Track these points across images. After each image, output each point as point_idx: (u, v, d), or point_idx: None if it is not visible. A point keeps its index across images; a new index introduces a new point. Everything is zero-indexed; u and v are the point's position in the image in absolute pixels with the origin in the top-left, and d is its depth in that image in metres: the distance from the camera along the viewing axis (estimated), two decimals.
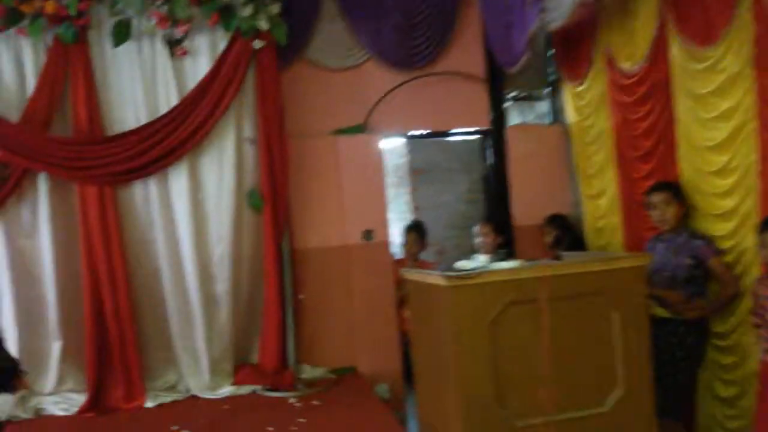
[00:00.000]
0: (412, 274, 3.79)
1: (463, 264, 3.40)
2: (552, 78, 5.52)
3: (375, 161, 5.13)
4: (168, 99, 4.56)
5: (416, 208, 5.80)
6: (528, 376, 3.20)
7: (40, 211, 4.46)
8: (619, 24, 4.39)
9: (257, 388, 4.56)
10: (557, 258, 3.92)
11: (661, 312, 3.80)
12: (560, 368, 3.22)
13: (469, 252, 5.24)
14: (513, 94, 5.58)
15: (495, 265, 3.32)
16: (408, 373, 4.88)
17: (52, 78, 4.40)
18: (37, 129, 4.36)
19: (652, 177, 4.20)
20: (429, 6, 5.13)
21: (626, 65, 4.34)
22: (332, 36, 5.09)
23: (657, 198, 3.92)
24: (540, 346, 3.20)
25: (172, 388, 4.63)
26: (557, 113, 5.49)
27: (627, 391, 3.30)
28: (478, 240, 4.97)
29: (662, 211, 3.88)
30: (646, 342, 3.36)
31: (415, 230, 5.22)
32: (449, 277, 3.17)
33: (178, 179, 4.60)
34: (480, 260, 3.44)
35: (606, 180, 4.77)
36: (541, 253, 4.83)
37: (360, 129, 5.10)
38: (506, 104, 5.47)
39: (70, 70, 4.42)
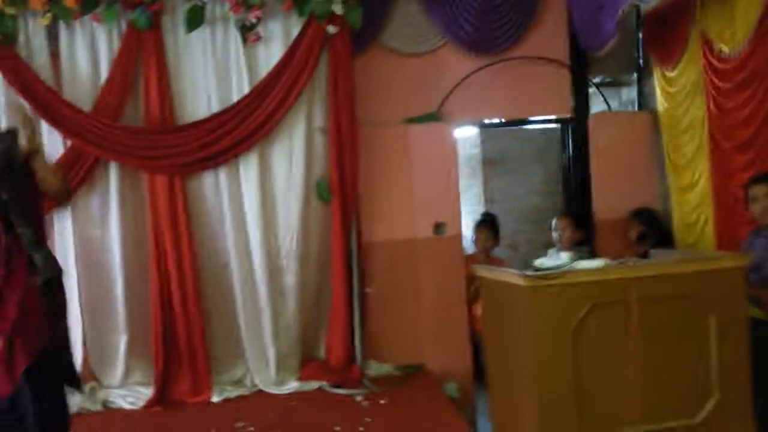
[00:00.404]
0: (486, 272, 3.58)
1: (542, 262, 3.17)
2: (640, 62, 5.16)
3: (448, 151, 4.90)
4: (240, 87, 4.47)
5: (490, 201, 5.56)
6: (613, 384, 2.99)
7: (110, 200, 4.44)
8: (719, 4, 4.03)
9: (323, 383, 4.45)
10: (644, 255, 3.65)
11: (756, 313, 3.47)
12: (649, 376, 3.00)
13: (544, 247, 4.99)
14: (597, 79, 5.25)
15: (579, 264, 3.08)
16: (478, 372, 4.70)
17: (125, 65, 4.36)
18: (109, 117, 4.33)
19: (751, 168, 3.87)
20: None
21: (725, 48, 3.99)
22: (407, 20, 4.87)
23: (759, 190, 3.62)
24: (627, 352, 2.98)
25: (238, 382, 4.57)
26: (645, 100, 5.14)
27: (722, 401, 3.05)
28: (555, 234, 4.70)
29: (764, 205, 3.59)
30: (745, 349, 3.10)
31: (487, 225, 4.98)
32: (529, 277, 2.95)
33: (248, 169, 4.51)
34: (562, 258, 3.21)
35: (698, 172, 4.42)
36: (624, 249, 4.53)
37: (434, 117, 4.88)
38: (589, 90, 5.14)
39: (142, 57, 4.38)
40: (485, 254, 4.94)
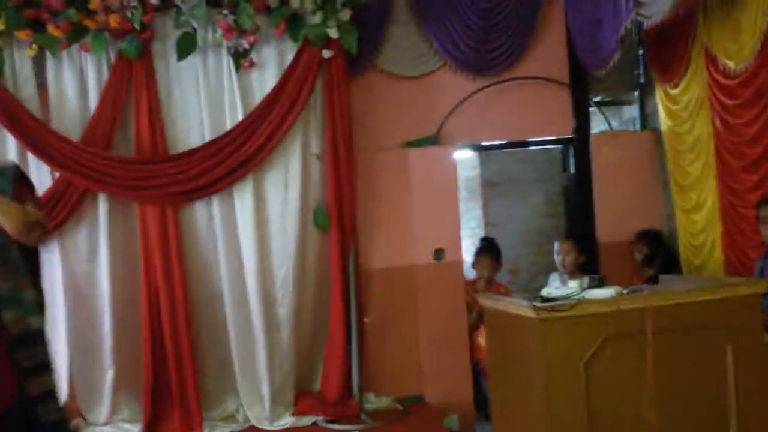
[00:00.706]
0: (490, 301, 3.41)
1: (550, 291, 3.01)
2: (641, 80, 5.05)
3: (447, 175, 4.75)
4: (234, 114, 4.33)
5: (490, 224, 5.40)
6: (628, 417, 2.84)
7: (99, 233, 4.27)
8: (722, 18, 3.92)
9: (319, 419, 4.26)
10: (652, 280, 3.48)
11: None
12: (667, 410, 2.84)
13: (546, 271, 4.83)
14: (597, 98, 5.13)
15: (589, 293, 2.92)
16: (478, 402, 4.51)
17: (115, 94, 4.22)
18: (99, 147, 4.18)
19: (760, 188, 3.75)
20: (507, 7, 4.72)
21: (730, 64, 3.87)
22: (403, 42, 4.75)
23: None
24: (643, 384, 2.82)
25: (230, 417, 4.38)
26: (647, 118, 5.02)
27: None
28: (558, 258, 4.53)
29: None
30: (763, 379, 2.96)
31: (489, 251, 4.78)
32: (538, 308, 2.80)
33: (243, 197, 4.36)
34: (570, 287, 3.05)
35: (704, 192, 4.29)
36: (629, 272, 4.38)
37: (432, 140, 4.74)
38: (590, 110, 5.01)
39: (133, 85, 4.24)
40: (487, 280, 4.75)
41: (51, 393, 2.41)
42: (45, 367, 2.40)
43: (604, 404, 2.81)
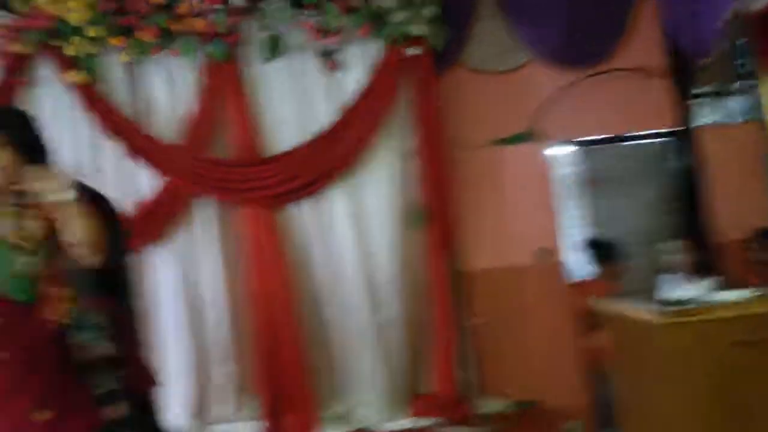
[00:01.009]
0: (610, 304, 3.38)
1: (677, 294, 2.95)
2: (744, 70, 4.86)
3: (543, 173, 4.73)
4: (322, 115, 4.45)
5: (594, 223, 5.29)
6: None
7: (205, 236, 4.45)
8: None
9: (434, 420, 4.30)
10: None
11: None
12: None
13: (654, 272, 4.67)
14: (698, 90, 4.96)
15: (718, 296, 2.85)
16: (597, 409, 4.43)
17: (210, 97, 4.39)
18: (199, 151, 4.38)
19: None
20: None
21: None
22: (491, 37, 4.72)
23: None
24: None
25: (341, 418, 4.45)
26: (754, 110, 4.82)
27: None
28: (672, 258, 4.38)
29: None
30: None
31: (612, 259, 4.55)
32: (663, 312, 2.75)
33: (338, 199, 4.48)
34: (694, 289, 2.98)
35: None
36: (745, 273, 4.21)
37: (526, 137, 4.70)
38: (692, 102, 4.85)
39: (224, 88, 4.40)
40: (607, 283, 4.57)
41: (127, 421, 2.32)
42: (117, 394, 2.33)
43: (737, 416, 2.70)
